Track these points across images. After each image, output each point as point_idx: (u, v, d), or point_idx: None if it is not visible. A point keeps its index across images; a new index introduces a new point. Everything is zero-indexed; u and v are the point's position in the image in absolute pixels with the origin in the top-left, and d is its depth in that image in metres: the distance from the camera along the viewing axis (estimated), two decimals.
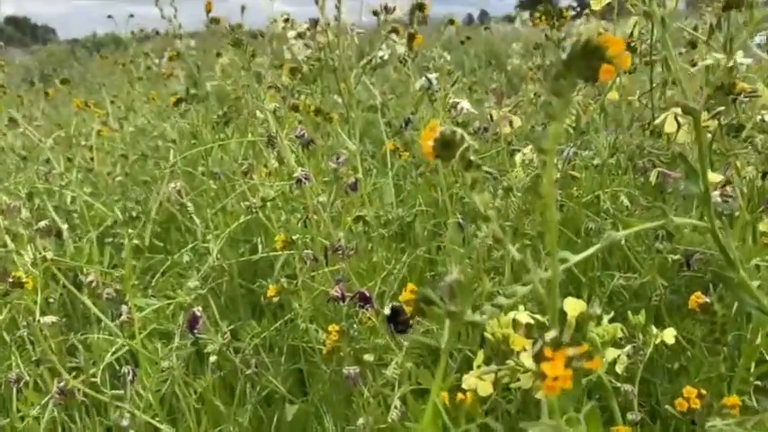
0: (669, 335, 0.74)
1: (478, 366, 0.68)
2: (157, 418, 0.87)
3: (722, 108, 0.77)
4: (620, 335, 0.71)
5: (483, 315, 0.48)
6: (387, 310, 0.66)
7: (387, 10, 1.23)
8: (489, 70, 2.94)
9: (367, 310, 0.78)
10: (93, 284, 0.84)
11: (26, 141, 1.95)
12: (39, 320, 0.74)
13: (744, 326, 0.76)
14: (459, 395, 0.47)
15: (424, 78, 0.97)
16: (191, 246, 1.11)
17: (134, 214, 0.81)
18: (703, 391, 0.54)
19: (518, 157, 0.90)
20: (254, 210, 0.94)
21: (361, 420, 0.75)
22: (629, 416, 0.71)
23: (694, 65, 1.03)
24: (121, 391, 0.77)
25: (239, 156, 1.28)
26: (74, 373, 0.93)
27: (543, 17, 0.95)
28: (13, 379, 0.85)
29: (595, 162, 0.84)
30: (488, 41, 4.26)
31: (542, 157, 0.41)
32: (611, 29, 1.15)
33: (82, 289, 0.90)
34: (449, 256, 0.83)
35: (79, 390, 0.81)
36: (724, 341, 0.65)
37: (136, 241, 1.36)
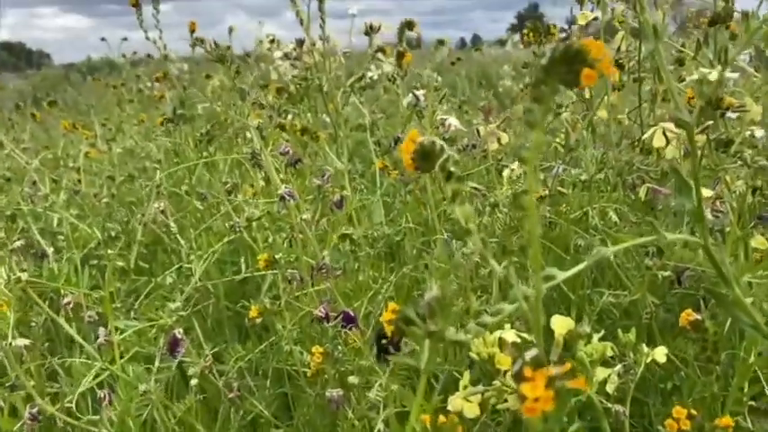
0: (660, 353, 0.72)
1: (465, 387, 0.66)
2: None
3: (710, 123, 0.76)
4: (610, 354, 0.69)
5: (467, 334, 0.46)
6: (374, 338, 0.64)
7: (373, 29, 1.23)
8: (480, 91, 2.95)
9: (351, 330, 0.76)
10: (71, 306, 0.81)
11: (12, 163, 1.94)
12: (11, 343, 0.72)
13: (737, 344, 0.75)
14: (441, 417, 0.45)
15: (411, 95, 0.96)
16: (175, 267, 1.09)
17: (113, 234, 0.79)
18: (694, 412, 0.52)
19: (505, 173, 0.89)
20: (238, 229, 0.92)
21: None
22: None
23: (682, 80, 1.02)
24: (98, 417, 0.74)
25: (224, 175, 1.26)
26: (53, 398, 0.91)
27: (531, 34, 0.94)
28: None
29: (583, 177, 0.83)
30: (480, 64, 4.29)
31: (524, 168, 0.40)
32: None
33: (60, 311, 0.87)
34: (434, 274, 0.82)
35: (55, 416, 0.79)
36: (716, 359, 0.63)
37: (120, 263, 1.34)
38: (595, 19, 0.90)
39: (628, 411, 0.68)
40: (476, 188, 0.86)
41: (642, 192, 0.79)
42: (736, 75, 0.77)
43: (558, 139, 1.16)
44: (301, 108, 1.36)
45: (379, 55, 1.26)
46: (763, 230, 0.81)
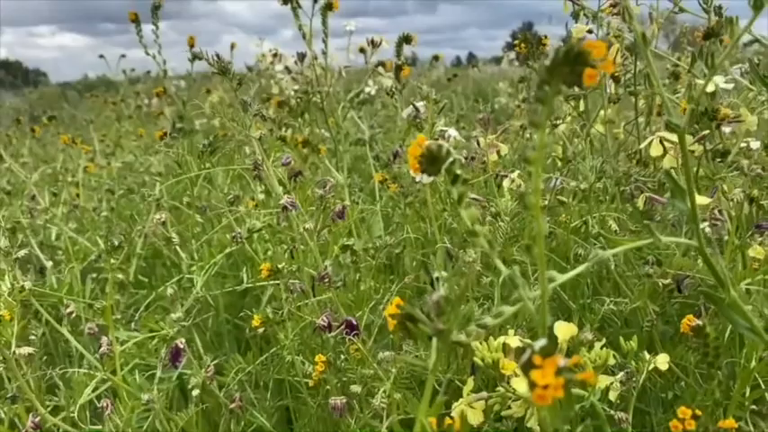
0: (662, 361, 0.72)
1: (468, 393, 0.66)
2: None
3: (707, 132, 0.78)
4: (612, 361, 0.70)
5: (468, 336, 0.46)
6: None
7: (374, 44, 1.25)
8: (477, 107, 2.98)
9: (354, 338, 0.76)
10: (73, 315, 0.81)
11: (12, 178, 1.94)
12: (14, 352, 0.72)
13: (737, 352, 0.75)
14: (447, 420, 0.45)
15: (411, 107, 0.98)
16: (175, 279, 1.09)
17: (116, 243, 0.80)
18: (699, 412, 0.52)
19: (506, 182, 0.90)
20: (239, 240, 0.92)
21: None
22: None
23: (677, 93, 1.04)
24: (99, 427, 0.74)
25: (225, 186, 1.27)
26: (53, 412, 0.90)
27: (522, 45, 0.96)
28: None
29: (582, 186, 0.84)
30: (476, 81, 4.32)
31: (528, 168, 0.41)
32: None
33: (62, 323, 0.87)
34: (436, 282, 0.82)
35: (57, 428, 0.79)
36: (718, 365, 0.64)
37: (120, 276, 1.34)
38: (590, 32, 0.92)
39: (630, 419, 0.69)
40: (476, 198, 0.87)
41: (640, 201, 0.80)
42: (730, 86, 0.78)
43: (554, 153, 1.17)
44: (302, 122, 1.37)
45: (380, 69, 1.27)
46: (760, 239, 0.82)
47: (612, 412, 0.69)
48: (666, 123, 0.48)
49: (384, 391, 0.69)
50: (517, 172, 0.91)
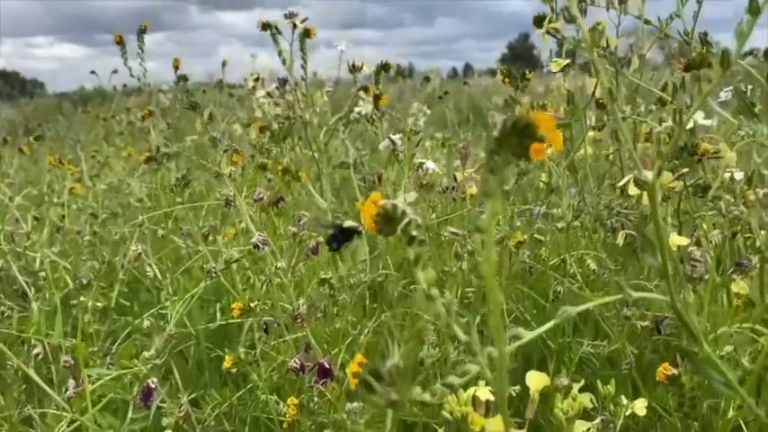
0: (640, 406, 0.71)
1: None
2: None
3: (686, 170, 0.76)
4: (589, 406, 0.68)
5: (432, 396, 0.45)
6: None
7: (355, 68, 1.23)
8: (469, 125, 2.97)
9: (326, 383, 0.74)
10: (40, 357, 0.79)
11: None
12: None
13: (718, 395, 0.73)
14: None
15: (387, 140, 0.96)
16: (152, 311, 1.07)
17: (84, 282, 0.78)
18: None
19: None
20: (213, 274, 0.90)
21: None
22: None
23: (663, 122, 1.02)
24: None
25: (204, 214, 1.25)
26: None
27: (506, 79, 0.95)
28: None
29: (560, 225, 0.82)
30: (470, 95, 4.32)
31: (481, 237, 0.39)
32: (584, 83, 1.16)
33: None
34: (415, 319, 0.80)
35: None
36: (694, 415, 0.62)
37: (101, 303, 1.32)
38: (568, 65, 0.90)
39: None
40: (455, 233, 0.85)
41: (620, 238, 0.78)
42: (708, 122, 0.77)
43: (538, 180, 1.16)
44: (284, 146, 1.36)
45: (361, 93, 1.26)
46: (742, 276, 0.80)
47: None
48: (635, 180, 0.47)
49: None
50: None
